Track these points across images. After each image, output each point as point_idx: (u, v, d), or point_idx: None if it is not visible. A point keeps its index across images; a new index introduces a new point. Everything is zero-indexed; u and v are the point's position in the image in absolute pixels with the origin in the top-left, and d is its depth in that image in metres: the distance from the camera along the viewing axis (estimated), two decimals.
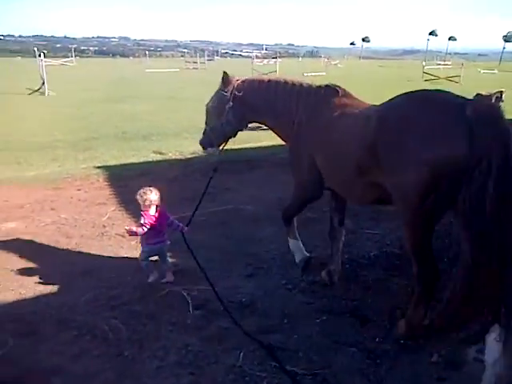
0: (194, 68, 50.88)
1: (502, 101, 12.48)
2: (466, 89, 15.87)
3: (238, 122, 4.36)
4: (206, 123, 4.51)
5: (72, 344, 3.33)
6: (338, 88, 3.81)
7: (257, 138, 10.58)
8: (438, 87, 4.25)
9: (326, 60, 57.91)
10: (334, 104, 3.68)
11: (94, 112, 16.40)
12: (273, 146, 9.26)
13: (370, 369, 3.05)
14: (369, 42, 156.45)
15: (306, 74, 32.57)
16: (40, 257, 4.82)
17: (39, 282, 4.29)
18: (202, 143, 4.60)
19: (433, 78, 33.00)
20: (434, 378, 2.97)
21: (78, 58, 70.76)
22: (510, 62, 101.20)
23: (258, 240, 5.18)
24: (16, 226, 5.72)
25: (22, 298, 4.01)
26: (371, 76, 39.21)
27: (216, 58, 70.20)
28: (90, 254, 4.92)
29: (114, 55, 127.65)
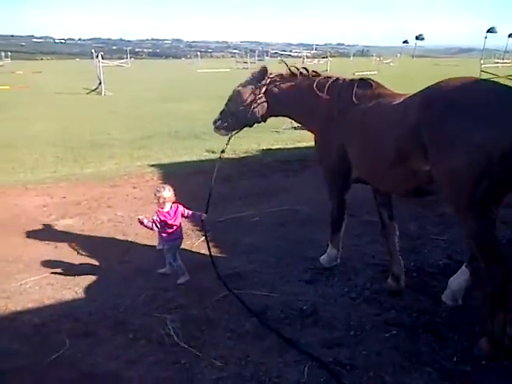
0: (244, 68, 51.05)
1: None
2: None
3: (263, 115, 4.43)
4: (226, 105, 4.51)
5: (128, 348, 3.22)
6: (371, 81, 3.79)
7: (310, 137, 10.28)
8: None
9: (377, 59, 56.58)
10: (369, 95, 3.65)
11: (149, 111, 16.69)
12: None
13: None
14: (423, 39, 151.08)
15: (357, 73, 31.82)
16: (96, 255, 4.81)
17: (95, 281, 4.25)
18: (216, 125, 4.55)
19: (491, 76, 31.34)
20: None
21: (132, 59, 72.94)
22: None
23: (316, 243, 4.88)
24: (73, 222, 5.77)
25: (78, 298, 3.97)
26: (427, 75, 37.70)
27: (266, 58, 70.31)
28: (144, 253, 4.87)
29: (166, 57, 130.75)
